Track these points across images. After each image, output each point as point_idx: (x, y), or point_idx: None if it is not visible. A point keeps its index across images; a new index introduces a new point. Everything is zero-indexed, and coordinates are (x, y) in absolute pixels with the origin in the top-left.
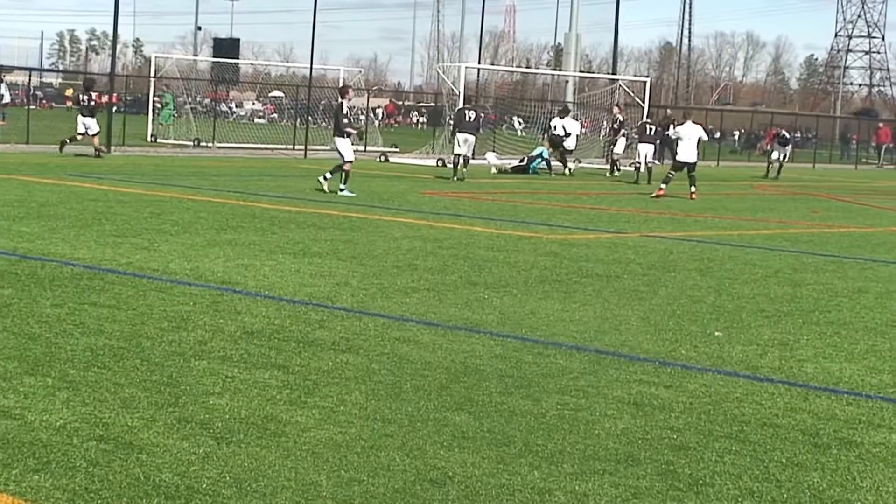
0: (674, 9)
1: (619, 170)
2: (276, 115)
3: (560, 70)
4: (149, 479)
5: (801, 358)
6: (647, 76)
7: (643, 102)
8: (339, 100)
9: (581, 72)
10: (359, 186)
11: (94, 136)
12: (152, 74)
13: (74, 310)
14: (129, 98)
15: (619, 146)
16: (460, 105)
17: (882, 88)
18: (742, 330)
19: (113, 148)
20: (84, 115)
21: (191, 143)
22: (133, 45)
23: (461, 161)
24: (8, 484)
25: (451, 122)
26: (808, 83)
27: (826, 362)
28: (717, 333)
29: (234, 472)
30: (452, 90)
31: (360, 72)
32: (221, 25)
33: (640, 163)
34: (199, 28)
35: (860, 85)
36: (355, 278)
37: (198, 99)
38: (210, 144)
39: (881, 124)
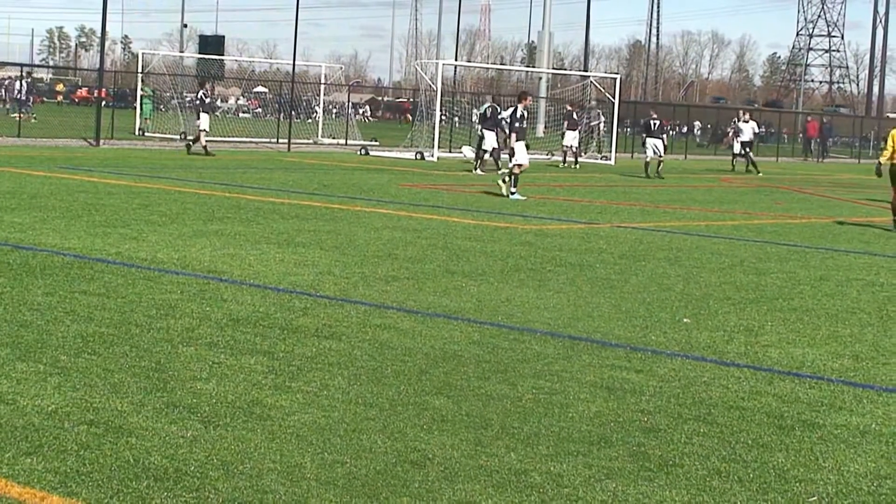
0: (643, 8)
1: (576, 160)
2: (260, 110)
3: (533, 67)
4: (138, 462)
5: (765, 343)
6: (617, 73)
7: (613, 98)
8: (516, 104)
9: (554, 69)
10: (340, 179)
11: (201, 131)
12: (140, 70)
13: (65, 298)
14: (115, 92)
15: (568, 138)
16: (488, 103)
17: (842, 85)
18: (709, 317)
19: (102, 141)
20: (204, 112)
21: (177, 137)
22: (121, 42)
23: (487, 156)
24: (1, 467)
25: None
26: (770, 80)
27: (789, 347)
28: (685, 320)
29: (221, 454)
30: (430, 86)
31: (341, 68)
32: (207, 23)
33: (648, 157)
34: (186, 25)
35: (821, 82)
36: (337, 267)
37: (184, 94)
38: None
39: (809, 118)
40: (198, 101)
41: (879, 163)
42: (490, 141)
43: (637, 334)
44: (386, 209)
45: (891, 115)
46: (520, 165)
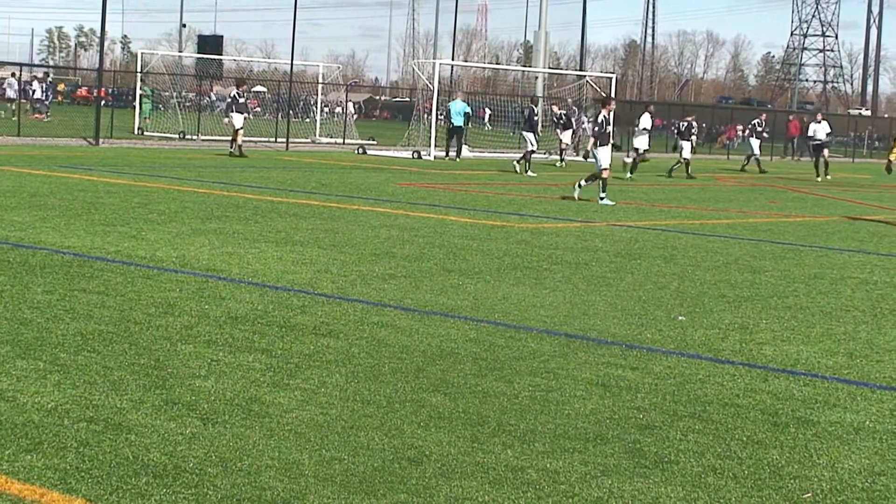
0: (638, 8)
1: (562, 160)
2: (258, 110)
3: (530, 67)
4: (137, 459)
5: (760, 341)
6: (613, 72)
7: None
8: (600, 109)
9: (550, 68)
10: (338, 178)
11: (238, 131)
12: (139, 70)
13: (65, 296)
14: (115, 92)
15: (566, 137)
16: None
17: (836, 85)
18: (704, 314)
19: (101, 140)
20: (238, 111)
21: (176, 136)
22: (121, 42)
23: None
24: (1, 464)
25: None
26: (765, 80)
27: (784, 345)
28: (680, 318)
29: (219, 451)
30: (427, 85)
31: (339, 68)
32: (206, 23)
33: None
34: (185, 25)
35: (815, 81)
36: (335, 265)
37: (182, 93)
38: (195, 137)
39: (791, 117)
40: (230, 100)
41: (889, 160)
42: (530, 142)
43: (632, 332)
44: (383, 208)
45: (858, 111)
46: (605, 170)
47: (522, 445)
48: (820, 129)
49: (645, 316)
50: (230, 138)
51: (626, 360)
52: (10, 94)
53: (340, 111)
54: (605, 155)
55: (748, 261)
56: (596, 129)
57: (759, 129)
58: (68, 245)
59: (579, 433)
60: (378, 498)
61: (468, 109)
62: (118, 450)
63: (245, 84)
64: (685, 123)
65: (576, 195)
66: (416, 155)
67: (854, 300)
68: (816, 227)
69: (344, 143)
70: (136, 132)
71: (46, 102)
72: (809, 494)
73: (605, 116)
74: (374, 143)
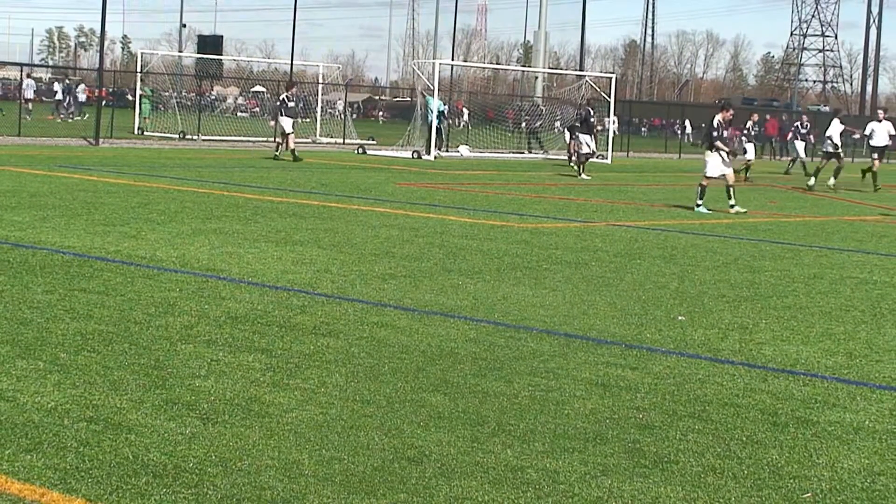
0: (638, 8)
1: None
2: (258, 109)
3: (529, 67)
4: (137, 459)
5: (759, 341)
6: (613, 72)
7: (609, 97)
8: (714, 115)
9: (549, 68)
10: (338, 178)
11: (288, 135)
12: (139, 70)
13: (65, 296)
14: (115, 92)
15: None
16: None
17: (835, 85)
18: (704, 314)
19: (101, 140)
20: (287, 115)
21: (176, 136)
22: (121, 42)
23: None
24: (1, 464)
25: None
26: (764, 80)
27: (783, 345)
28: (680, 318)
29: (219, 451)
30: (427, 85)
31: (339, 68)
32: (206, 23)
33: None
34: (184, 25)
35: (815, 81)
36: (335, 265)
37: (182, 93)
38: (195, 137)
39: (768, 116)
40: (278, 103)
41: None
42: (585, 144)
43: (632, 332)
44: (383, 208)
45: (817, 108)
46: (708, 178)
47: (522, 445)
48: (881, 130)
49: (645, 316)
50: (278, 141)
51: (626, 360)
52: (29, 94)
53: (340, 110)
54: (712, 163)
55: (748, 261)
56: (714, 134)
57: (804, 130)
58: (68, 245)
59: (579, 433)
60: (378, 498)
61: (444, 108)
62: (118, 450)
63: (294, 87)
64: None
65: (732, 210)
66: (415, 155)
67: (853, 300)
68: (816, 227)
69: (344, 143)
70: (136, 132)
71: (65, 104)
72: (809, 494)
73: (719, 121)
74: (374, 142)
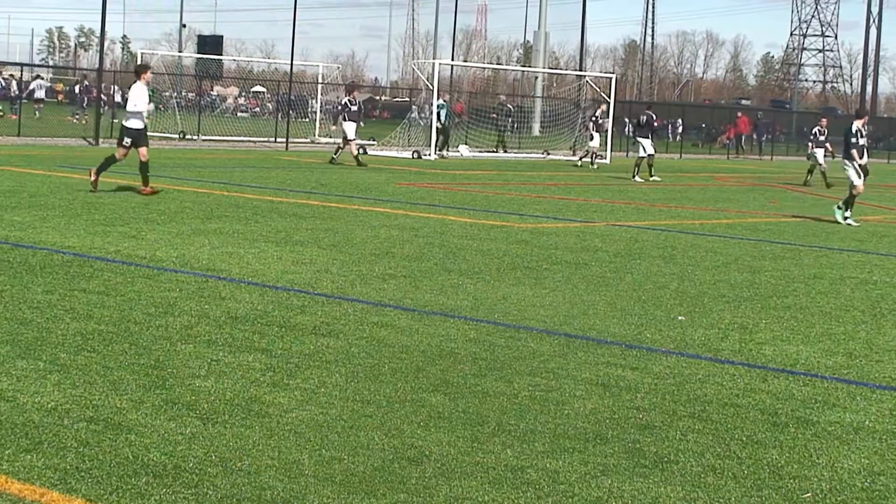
0: (638, 8)
1: (580, 159)
2: (258, 109)
3: (529, 67)
4: (137, 459)
5: (759, 341)
6: (613, 73)
7: (609, 98)
8: (852, 122)
9: (549, 68)
10: (338, 178)
11: (349, 141)
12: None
13: (65, 296)
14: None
15: (596, 140)
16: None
17: (835, 85)
18: (704, 314)
19: (101, 140)
20: (350, 120)
21: (176, 136)
22: (121, 42)
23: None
24: (1, 464)
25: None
26: (764, 80)
27: (783, 345)
28: (680, 318)
29: (219, 451)
30: (427, 85)
31: (339, 68)
32: (206, 23)
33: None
34: (185, 25)
35: (815, 81)
36: (335, 265)
37: (182, 93)
38: (195, 137)
39: (739, 114)
40: (340, 107)
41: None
42: (647, 148)
43: (632, 332)
44: (383, 208)
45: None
46: (854, 187)
47: (522, 445)
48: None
49: (644, 316)
50: (337, 145)
51: (626, 360)
52: (40, 94)
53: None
54: (853, 172)
55: (747, 261)
56: (852, 141)
57: (822, 137)
58: (68, 245)
59: (579, 433)
60: (378, 498)
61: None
62: (118, 450)
63: (356, 90)
64: (823, 131)
65: (842, 220)
66: (416, 155)
67: (853, 300)
68: (816, 227)
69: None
70: None
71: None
72: (809, 494)
73: (857, 128)
74: (374, 143)
